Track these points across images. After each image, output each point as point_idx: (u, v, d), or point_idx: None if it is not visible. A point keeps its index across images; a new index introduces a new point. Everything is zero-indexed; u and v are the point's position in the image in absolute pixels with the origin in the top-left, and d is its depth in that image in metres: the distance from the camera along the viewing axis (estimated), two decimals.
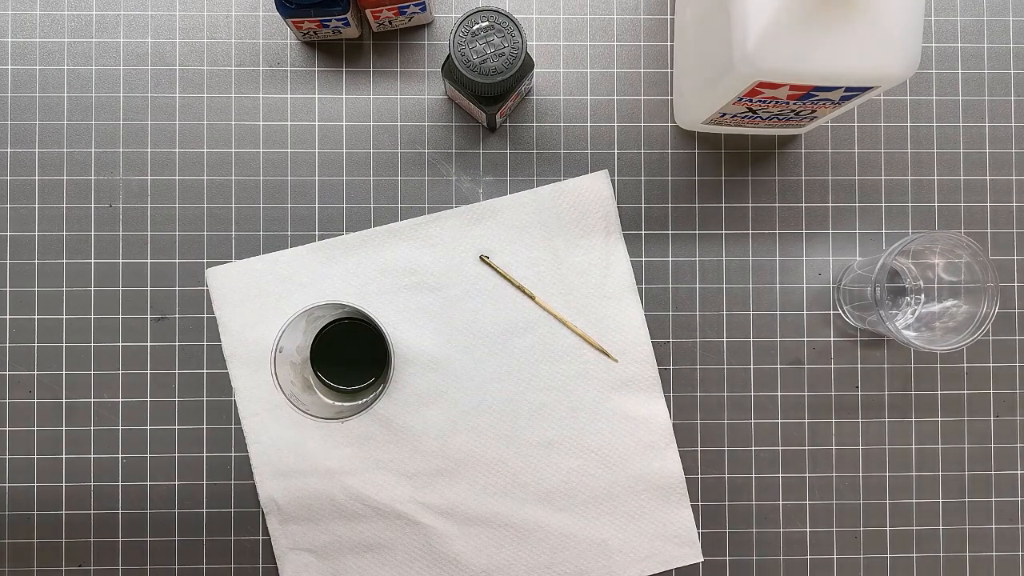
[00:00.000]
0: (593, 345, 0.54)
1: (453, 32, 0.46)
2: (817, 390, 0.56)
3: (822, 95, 0.44)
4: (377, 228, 0.54)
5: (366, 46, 0.55)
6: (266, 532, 0.54)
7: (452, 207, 0.55)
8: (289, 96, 0.55)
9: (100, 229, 0.55)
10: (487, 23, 0.46)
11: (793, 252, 0.56)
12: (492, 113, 0.51)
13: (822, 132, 0.56)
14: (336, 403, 0.52)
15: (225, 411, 0.55)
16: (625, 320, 0.54)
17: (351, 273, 0.54)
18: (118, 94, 0.55)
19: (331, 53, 0.55)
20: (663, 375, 0.55)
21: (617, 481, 0.54)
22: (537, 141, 0.55)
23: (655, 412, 0.55)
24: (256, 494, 0.54)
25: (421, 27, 0.55)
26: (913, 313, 0.55)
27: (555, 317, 0.54)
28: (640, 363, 0.54)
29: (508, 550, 0.54)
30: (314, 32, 0.53)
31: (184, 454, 0.55)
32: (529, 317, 0.54)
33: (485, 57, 0.46)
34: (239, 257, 0.55)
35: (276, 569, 0.54)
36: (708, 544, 0.55)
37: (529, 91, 0.55)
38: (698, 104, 0.51)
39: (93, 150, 0.55)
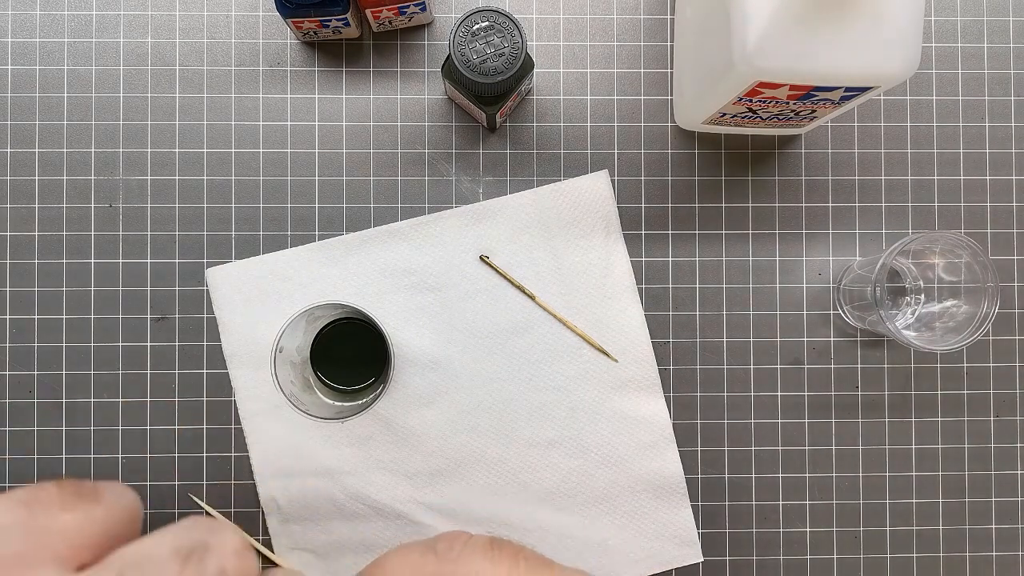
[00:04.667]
0: (593, 345, 0.54)
1: (453, 32, 0.46)
2: (817, 390, 0.56)
3: (822, 95, 0.44)
4: (377, 228, 0.54)
5: (366, 46, 0.55)
6: (266, 532, 0.54)
7: (452, 207, 0.55)
8: (289, 96, 0.55)
9: (100, 229, 0.55)
10: (487, 23, 0.46)
11: (793, 252, 0.56)
12: (492, 113, 0.51)
13: (822, 132, 0.56)
14: (336, 403, 0.52)
15: (225, 411, 0.55)
16: (625, 320, 0.54)
17: (351, 273, 0.54)
18: (118, 94, 0.55)
19: (331, 53, 0.55)
20: (663, 375, 0.55)
21: (617, 481, 0.54)
22: (537, 141, 0.55)
23: (655, 412, 0.55)
24: (256, 494, 0.54)
25: (421, 27, 0.55)
26: (913, 313, 0.55)
27: (555, 317, 0.54)
28: (640, 363, 0.54)
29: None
30: (314, 32, 0.53)
31: (184, 454, 0.55)
32: (529, 317, 0.54)
33: (485, 57, 0.46)
34: (239, 257, 0.55)
35: None
36: (708, 544, 0.55)
37: (529, 91, 0.55)
38: (698, 104, 0.51)
39: (93, 150, 0.55)
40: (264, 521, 0.54)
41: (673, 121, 0.56)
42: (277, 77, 0.55)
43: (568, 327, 0.54)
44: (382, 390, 0.48)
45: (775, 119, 0.50)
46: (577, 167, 0.55)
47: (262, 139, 0.55)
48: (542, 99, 0.56)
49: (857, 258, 0.56)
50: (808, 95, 0.44)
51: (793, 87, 0.43)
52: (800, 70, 0.41)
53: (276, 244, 0.55)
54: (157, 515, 0.54)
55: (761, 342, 0.56)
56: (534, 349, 0.54)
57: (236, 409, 0.55)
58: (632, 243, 0.55)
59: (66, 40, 0.55)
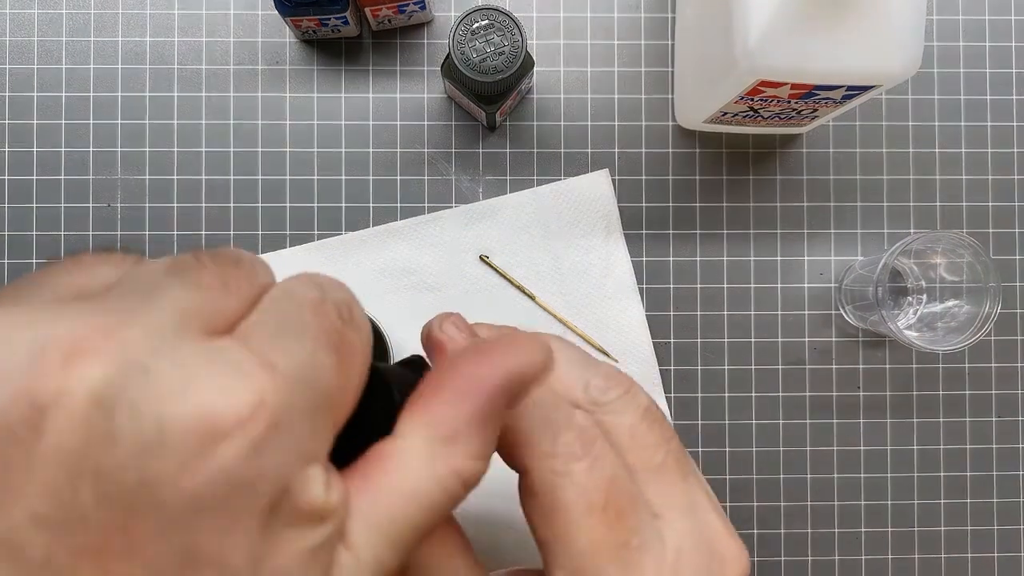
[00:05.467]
0: (594, 345, 0.54)
1: (453, 30, 0.46)
2: (818, 390, 0.55)
3: (824, 94, 0.44)
4: (376, 228, 0.54)
5: (365, 44, 0.55)
6: None
7: (452, 207, 0.55)
8: (288, 95, 0.55)
9: (98, 229, 0.54)
10: (487, 21, 0.46)
11: (794, 252, 0.56)
12: (492, 112, 0.50)
13: (824, 131, 0.56)
14: None
15: None
16: (626, 320, 0.54)
17: (351, 273, 0.54)
18: (116, 93, 0.55)
19: (330, 52, 0.55)
20: (664, 375, 0.55)
21: None
22: (537, 140, 0.55)
23: None
24: None
25: (420, 25, 0.55)
26: (915, 313, 0.55)
27: (555, 317, 0.54)
28: (641, 363, 0.54)
29: (509, 552, 0.54)
30: (313, 31, 0.53)
31: None
32: (529, 317, 0.54)
33: (485, 56, 0.46)
34: None
35: None
36: None
37: (529, 90, 0.55)
38: (699, 103, 0.50)
39: (91, 149, 0.54)
40: None
41: (674, 120, 0.56)
42: (276, 76, 0.55)
43: (568, 327, 0.54)
44: None
45: (776, 118, 0.50)
46: (577, 166, 0.55)
47: (261, 138, 0.55)
48: (542, 98, 0.55)
49: (859, 258, 0.56)
50: (810, 94, 0.44)
51: (795, 86, 0.43)
52: (802, 69, 0.41)
53: (275, 244, 0.55)
54: None
55: (762, 342, 0.55)
56: None
57: None
58: (633, 243, 0.55)
59: (64, 39, 0.55)
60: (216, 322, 0.18)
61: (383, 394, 0.23)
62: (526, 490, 0.25)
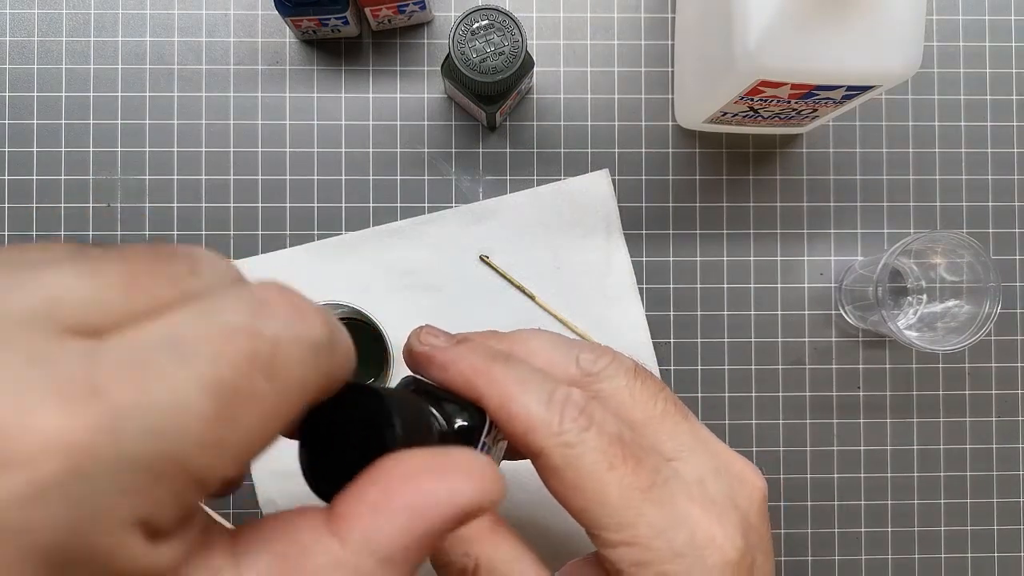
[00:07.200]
0: None
1: (453, 30, 0.46)
2: (818, 390, 0.55)
3: (824, 94, 0.44)
4: (376, 228, 0.54)
5: (365, 44, 0.55)
6: None
7: (452, 207, 0.55)
8: (288, 95, 0.55)
9: (98, 229, 0.54)
10: (487, 21, 0.46)
11: (794, 252, 0.56)
12: (492, 112, 0.50)
13: (824, 131, 0.56)
14: None
15: None
16: (626, 320, 0.54)
17: (351, 273, 0.54)
18: (116, 93, 0.55)
19: (330, 52, 0.55)
20: (664, 375, 0.55)
21: None
22: (537, 140, 0.55)
23: None
24: (255, 495, 0.54)
25: (420, 25, 0.55)
26: (915, 313, 0.55)
27: (555, 317, 0.54)
28: (641, 363, 0.54)
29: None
30: (313, 31, 0.53)
31: None
32: (529, 317, 0.54)
33: (485, 56, 0.46)
34: (238, 257, 0.54)
35: None
36: None
37: (529, 90, 0.55)
38: (699, 103, 0.50)
39: (91, 149, 0.54)
40: None
41: (674, 120, 0.56)
42: (276, 76, 0.55)
43: (568, 327, 0.54)
44: None
45: (776, 118, 0.50)
46: (577, 166, 0.55)
47: (260, 138, 0.55)
48: (542, 98, 0.55)
49: (859, 258, 0.56)
50: (810, 94, 0.44)
51: (795, 86, 0.43)
52: (802, 69, 0.41)
53: (275, 244, 0.55)
54: None
55: (762, 342, 0.55)
56: None
57: None
58: (633, 243, 0.55)
59: (64, 39, 0.54)
60: (93, 321, 0.15)
61: (384, 424, 0.22)
62: (547, 470, 0.26)
